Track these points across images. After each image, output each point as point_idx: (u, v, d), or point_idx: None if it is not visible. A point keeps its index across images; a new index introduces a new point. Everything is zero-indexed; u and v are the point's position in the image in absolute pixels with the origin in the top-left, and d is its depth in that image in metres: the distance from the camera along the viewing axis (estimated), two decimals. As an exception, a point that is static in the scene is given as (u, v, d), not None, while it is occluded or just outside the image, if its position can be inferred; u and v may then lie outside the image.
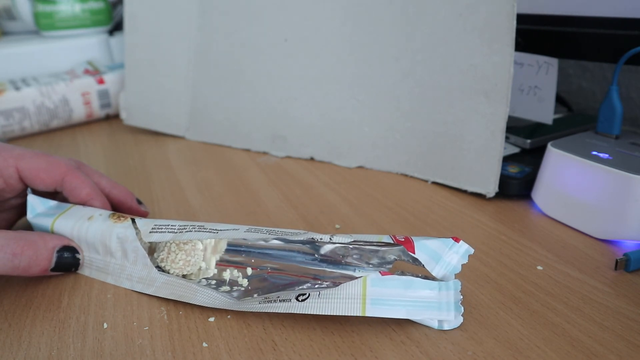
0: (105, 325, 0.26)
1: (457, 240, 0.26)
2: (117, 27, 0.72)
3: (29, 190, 0.33)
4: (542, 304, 0.27)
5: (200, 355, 0.24)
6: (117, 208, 0.36)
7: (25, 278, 0.31)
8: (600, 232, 0.33)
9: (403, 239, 0.26)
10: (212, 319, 0.26)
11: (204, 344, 0.25)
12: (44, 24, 0.67)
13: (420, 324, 0.25)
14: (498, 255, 0.32)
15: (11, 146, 0.33)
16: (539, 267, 0.30)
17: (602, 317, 0.26)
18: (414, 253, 0.25)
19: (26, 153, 0.32)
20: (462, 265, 0.26)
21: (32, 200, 0.33)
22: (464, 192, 0.41)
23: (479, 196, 0.40)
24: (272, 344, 0.25)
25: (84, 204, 0.33)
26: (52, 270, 0.29)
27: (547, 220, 0.36)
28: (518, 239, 0.34)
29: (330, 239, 0.26)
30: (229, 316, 0.27)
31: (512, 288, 0.28)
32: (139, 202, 0.36)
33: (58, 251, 0.29)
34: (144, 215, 0.36)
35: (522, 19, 0.43)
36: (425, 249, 0.25)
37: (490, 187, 0.39)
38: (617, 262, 0.29)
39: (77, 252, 0.30)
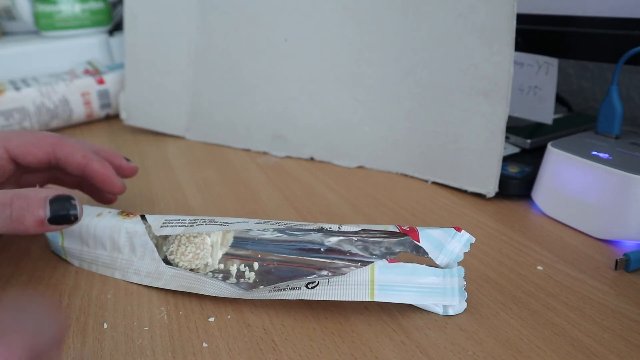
0: (105, 325, 0.26)
1: (458, 229, 0.27)
2: (117, 27, 0.72)
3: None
4: (542, 304, 0.27)
5: (200, 355, 0.24)
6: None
7: (25, 278, 0.31)
8: (600, 232, 0.33)
9: (408, 229, 0.27)
10: (212, 319, 0.26)
11: (204, 344, 0.25)
12: (44, 24, 0.67)
13: (421, 325, 0.25)
14: (498, 255, 0.32)
15: None
16: (539, 267, 0.30)
17: (602, 317, 0.26)
18: (419, 242, 0.26)
19: (12, 133, 0.33)
20: (464, 253, 0.26)
21: None
22: (464, 192, 0.41)
23: (479, 196, 0.40)
24: (272, 344, 0.25)
25: (83, 168, 0.33)
26: (50, 221, 0.27)
27: (547, 220, 0.36)
28: (518, 239, 0.34)
29: (339, 228, 0.27)
30: (229, 316, 0.27)
31: (512, 288, 0.28)
32: (127, 160, 0.36)
33: (52, 200, 0.27)
34: (133, 170, 0.36)
35: (522, 19, 0.43)
36: (429, 238, 0.26)
37: (490, 187, 0.39)
38: (617, 262, 0.29)
39: (73, 199, 0.27)
